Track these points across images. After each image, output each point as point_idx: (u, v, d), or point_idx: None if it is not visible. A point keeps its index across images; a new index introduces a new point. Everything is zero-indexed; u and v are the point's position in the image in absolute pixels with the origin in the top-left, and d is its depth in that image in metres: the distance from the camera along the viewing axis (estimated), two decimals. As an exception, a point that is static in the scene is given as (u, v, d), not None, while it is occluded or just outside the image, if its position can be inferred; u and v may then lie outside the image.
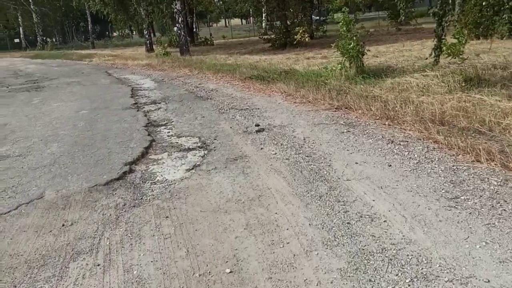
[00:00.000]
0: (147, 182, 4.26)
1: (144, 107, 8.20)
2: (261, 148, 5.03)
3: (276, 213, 3.34)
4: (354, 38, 9.23)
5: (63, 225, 3.45)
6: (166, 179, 4.31)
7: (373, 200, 3.41)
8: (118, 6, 24.02)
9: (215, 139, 5.58)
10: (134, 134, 6.09)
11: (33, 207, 3.84)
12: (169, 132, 6.22)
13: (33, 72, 18.48)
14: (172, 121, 6.87)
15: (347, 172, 4.07)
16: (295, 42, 18.22)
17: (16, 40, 47.37)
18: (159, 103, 8.58)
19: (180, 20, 18.46)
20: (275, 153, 4.80)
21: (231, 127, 6.12)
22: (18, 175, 4.69)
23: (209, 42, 29.05)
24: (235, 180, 4.10)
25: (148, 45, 24.72)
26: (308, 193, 3.64)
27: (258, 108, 7.22)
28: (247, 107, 7.38)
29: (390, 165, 4.14)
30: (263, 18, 39.67)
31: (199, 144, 5.45)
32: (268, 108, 7.17)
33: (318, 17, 33.16)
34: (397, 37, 20.43)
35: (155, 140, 5.76)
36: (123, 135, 6.07)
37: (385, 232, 2.94)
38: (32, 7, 40.42)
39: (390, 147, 4.69)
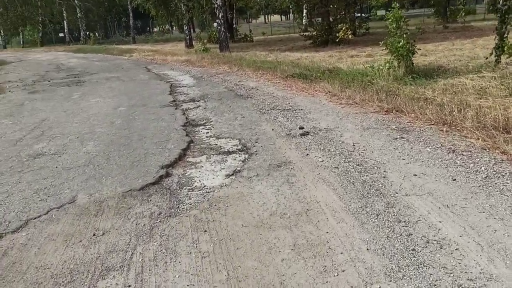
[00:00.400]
0: (184, 188, 3.97)
1: (182, 105, 7.96)
2: (307, 154, 4.65)
3: (327, 232, 2.96)
4: (404, 35, 8.69)
5: (94, 235, 3.19)
6: (205, 186, 3.99)
7: (440, 222, 2.97)
8: (159, 2, 24.07)
9: (256, 142, 5.23)
10: (172, 134, 5.83)
11: (64, 212, 3.60)
12: (208, 132, 5.92)
13: (75, 66, 18.71)
14: (211, 121, 6.57)
15: (405, 185, 3.63)
16: (337, 40, 17.64)
17: (61, 34, 48.61)
18: (198, 101, 8.32)
19: (220, 16, 18.22)
20: (322, 160, 4.41)
21: (273, 129, 5.76)
22: (52, 176, 4.50)
23: (248, 38, 28.74)
24: (279, 190, 3.74)
25: (188, 41, 24.68)
26: (363, 209, 3.23)
27: (302, 109, 6.82)
28: (290, 108, 7.00)
29: (455, 179, 3.67)
30: (304, 15, 39.18)
31: (239, 147, 5.12)
32: (312, 109, 6.76)
33: (360, 14, 32.23)
34: (445, 35, 19.50)
35: (193, 141, 5.47)
36: (161, 135, 5.82)
37: (459, 263, 2.50)
38: (76, 2, 41.36)
39: (451, 158, 4.21)
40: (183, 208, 3.54)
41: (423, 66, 9.63)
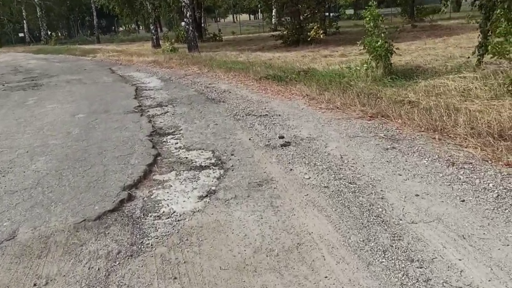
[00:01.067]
0: (149, 215, 3.35)
1: (148, 111, 7.30)
2: (290, 169, 4.10)
3: (326, 277, 2.42)
4: (382, 35, 8.30)
5: (34, 285, 2.55)
6: (174, 212, 3.39)
7: (460, 260, 2.47)
8: (123, 0, 23.12)
9: (232, 155, 4.66)
10: (136, 146, 5.18)
11: (0, 252, 2.93)
12: (177, 143, 5.31)
13: (34, 68, 17.64)
14: (181, 129, 5.95)
15: (408, 209, 3.13)
16: (309, 39, 17.23)
17: (21, 34, 46.63)
18: (166, 106, 7.67)
19: (188, 15, 17.52)
20: (309, 177, 3.87)
21: (250, 139, 5.20)
22: (-9, 202, 3.80)
23: (217, 38, 28.08)
24: (263, 217, 3.18)
25: (155, 41, 23.82)
26: (366, 244, 2.70)
27: (279, 115, 6.28)
28: (266, 113, 6.45)
29: (463, 200, 3.20)
30: (273, 14, 38.77)
31: (213, 161, 4.53)
32: (290, 115, 6.23)
33: (328, 13, 32.00)
34: (415, 34, 19.39)
35: (160, 154, 4.85)
36: (123, 147, 5.16)
37: (495, 319, 2.00)
38: (36, 0, 39.64)
39: (453, 172, 3.74)
40: (147, 244, 2.93)
41: (401, 67, 9.27)
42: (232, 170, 4.19)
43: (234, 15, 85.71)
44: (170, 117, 6.75)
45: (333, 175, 3.87)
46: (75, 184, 4.07)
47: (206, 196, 3.66)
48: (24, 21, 42.89)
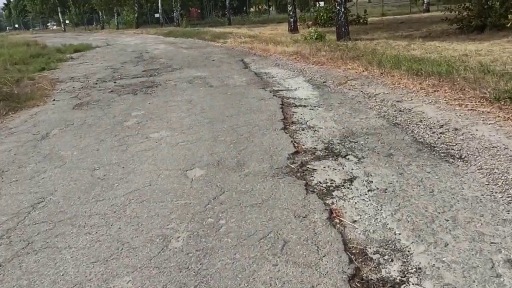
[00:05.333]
0: None
1: (315, 171, 3.86)
2: None
3: None
4: None
5: None
6: None
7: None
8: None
9: None
10: None
11: None
12: None
13: (159, 55, 15.43)
14: (410, 250, 2.41)
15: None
16: (509, 25, 12.35)
17: (156, 15, 46.89)
18: (344, 156, 4.20)
19: (340, -8, 13.71)
20: None
21: None
22: None
23: (362, 20, 23.80)
24: None
25: (292, 24, 20.42)
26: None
27: None
28: None
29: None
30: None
31: None
32: None
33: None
34: None
35: None
36: None
37: None
38: (171, -20, 38.85)
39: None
40: None
41: None
42: None
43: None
44: (369, 197, 3.23)
45: None
46: None
47: None
48: (159, 1, 42.61)
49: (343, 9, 13.83)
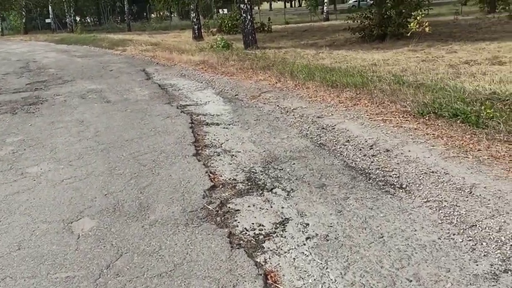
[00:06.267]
0: None
1: (239, 212, 3.16)
2: None
3: None
4: None
5: None
6: None
7: None
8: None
9: None
10: None
11: None
12: None
13: (48, 64, 13.78)
14: None
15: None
16: (409, 34, 12.74)
17: (48, 20, 43.36)
18: (266, 185, 3.57)
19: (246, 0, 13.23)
20: None
21: None
22: None
23: (266, 28, 23.74)
24: None
25: (196, 31, 19.63)
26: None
27: None
28: None
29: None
30: (325, 1, 34.09)
31: None
32: None
33: None
34: None
35: None
36: None
37: None
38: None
39: None
40: None
41: None
42: None
43: (271, 2, 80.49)
44: (308, 249, 2.61)
45: None
46: None
47: None
48: (50, 5, 39.39)
49: (249, 17, 13.36)
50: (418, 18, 12.47)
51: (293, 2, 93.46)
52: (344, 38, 16.38)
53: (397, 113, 5.29)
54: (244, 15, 13.35)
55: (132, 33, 30.68)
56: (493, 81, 6.47)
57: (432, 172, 3.57)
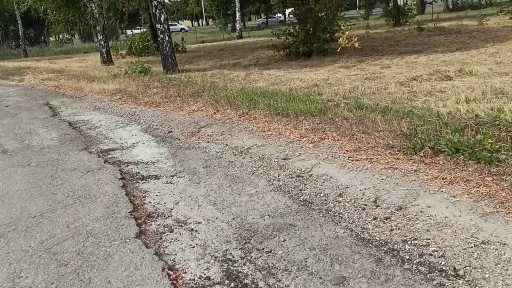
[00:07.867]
0: None
1: None
2: None
3: None
4: None
5: None
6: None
7: None
8: (62, 2, 17.03)
9: None
10: None
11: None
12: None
13: None
14: None
15: None
16: (338, 50, 12.25)
17: None
18: (258, 285, 2.36)
19: (162, 19, 11.94)
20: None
21: None
22: None
23: (180, 48, 22.50)
24: None
25: (105, 55, 17.81)
26: None
27: None
28: None
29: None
30: (237, 18, 33.65)
31: None
32: None
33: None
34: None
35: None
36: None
37: None
38: None
39: None
40: None
41: None
42: None
43: (178, 21, 79.01)
44: None
45: None
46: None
47: None
48: None
49: (167, 38, 12.06)
50: (346, 33, 12.01)
51: (200, 21, 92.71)
52: (267, 56, 15.68)
53: (379, 148, 4.38)
54: (162, 36, 12.01)
55: (29, 59, 27.77)
56: (459, 101, 5.85)
57: (483, 243, 2.62)
